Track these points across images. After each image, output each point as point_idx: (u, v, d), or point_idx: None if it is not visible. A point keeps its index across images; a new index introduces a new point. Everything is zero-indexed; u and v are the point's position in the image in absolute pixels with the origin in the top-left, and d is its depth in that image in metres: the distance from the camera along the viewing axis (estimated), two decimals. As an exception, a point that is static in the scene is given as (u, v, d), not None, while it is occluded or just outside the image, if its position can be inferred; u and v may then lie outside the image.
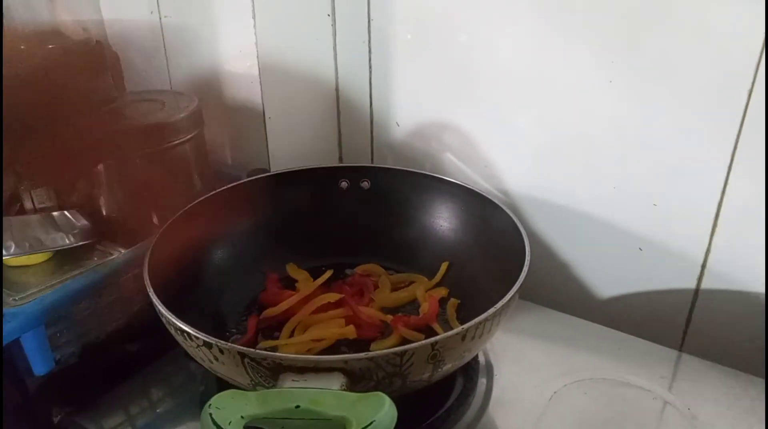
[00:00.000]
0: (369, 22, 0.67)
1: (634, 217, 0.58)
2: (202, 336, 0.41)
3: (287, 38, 0.67)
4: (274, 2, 0.64)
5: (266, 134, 0.69)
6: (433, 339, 0.41)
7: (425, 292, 0.59)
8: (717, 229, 0.55)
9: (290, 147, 0.71)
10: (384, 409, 0.36)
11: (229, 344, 0.40)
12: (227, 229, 0.60)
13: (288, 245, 0.62)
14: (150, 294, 0.45)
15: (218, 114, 0.71)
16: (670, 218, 0.56)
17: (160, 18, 0.72)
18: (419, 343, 0.40)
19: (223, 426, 0.34)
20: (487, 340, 0.47)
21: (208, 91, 0.71)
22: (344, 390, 0.38)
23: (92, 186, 0.62)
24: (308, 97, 0.71)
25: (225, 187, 0.61)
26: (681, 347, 0.60)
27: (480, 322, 0.43)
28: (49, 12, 0.66)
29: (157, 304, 0.44)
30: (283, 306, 0.56)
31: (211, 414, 0.35)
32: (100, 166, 0.60)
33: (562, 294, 0.65)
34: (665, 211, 0.56)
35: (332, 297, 0.57)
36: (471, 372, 0.53)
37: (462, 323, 0.43)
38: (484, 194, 0.58)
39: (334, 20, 0.68)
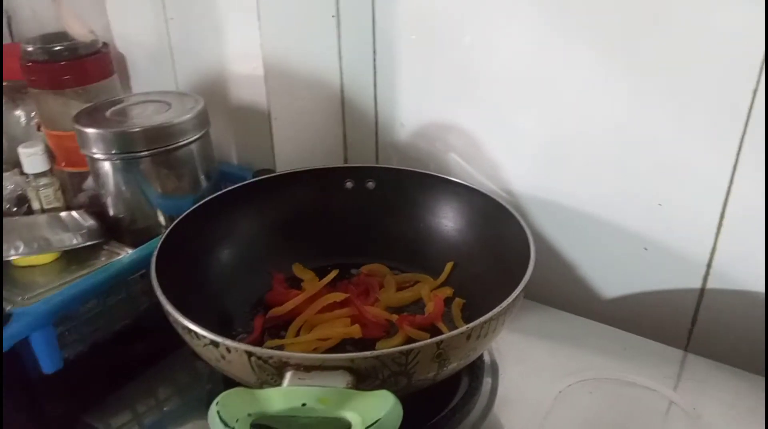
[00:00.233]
0: (373, 23, 0.67)
1: (639, 217, 0.58)
2: (209, 335, 0.42)
3: (292, 39, 0.67)
4: (279, 3, 0.64)
5: (272, 135, 0.69)
6: (438, 338, 0.41)
7: (430, 292, 0.59)
8: (722, 229, 0.55)
9: (296, 147, 0.71)
10: (390, 407, 0.36)
11: (236, 343, 0.41)
12: (233, 229, 0.61)
13: (294, 245, 0.63)
14: (157, 293, 0.46)
15: (224, 114, 0.71)
16: (675, 218, 0.56)
17: (166, 19, 0.73)
18: (425, 342, 0.41)
19: (230, 423, 0.35)
20: (492, 339, 0.47)
21: (214, 91, 0.71)
22: (350, 388, 0.38)
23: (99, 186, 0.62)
24: (313, 97, 0.71)
25: (231, 188, 0.61)
26: (686, 347, 0.60)
27: (485, 322, 0.43)
28: (56, 15, 0.66)
29: (164, 303, 0.45)
30: (289, 305, 0.56)
31: (218, 411, 0.35)
32: (107, 166, 0.60)
33: (567, 294, 0.65)
34: (670, 212, 0.56)
35: (338, 296, 0.57)
36: (476, 371, 0.53)
37: (467, 323, 0.43)
38: (488, 194, 0.58)
39: (338, 21, 0.69)
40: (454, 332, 0.42)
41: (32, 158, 0.65)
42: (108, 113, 0.62)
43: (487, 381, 0.53)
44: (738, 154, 0.51)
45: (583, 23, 0.54)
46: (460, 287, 0.59)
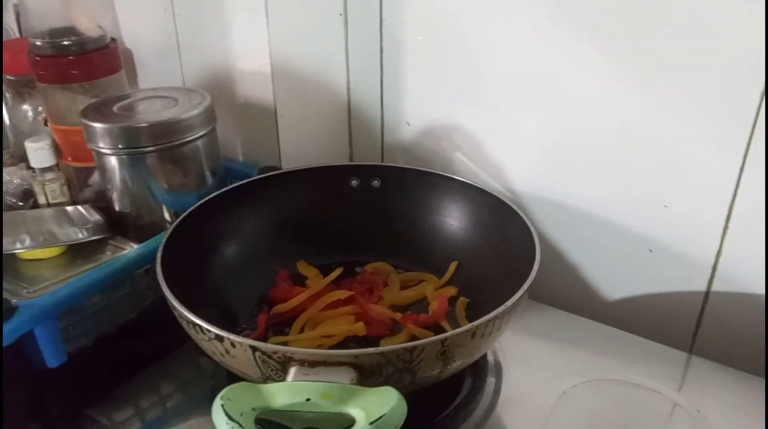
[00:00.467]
0: (381, 22, 0.67)
1: (645, 218, 0.58)
2: (214, 329, 0.42)
3: (299, 37, 0.67)
4: (287, 1, 0.65)
5: (278, 132, 0.69)
6: (443, 335, 0.41)
7: (434, 291, 0.59)
8: (728, 232, 0.54)
9: (301, 145, 0.71)
10: (394, 403, 0.36)
11: (241, 338, 0.41)
12: (238, 226, 0.61)
13: (298, 242, 0.63)
14: (163, 288, 0.46)
15: (230, 111, 0.72)
16: (681, 220, 0.56)
17: (174, 16, 0.73)
18: (429, 339, 0.41)
19: (234, 417, 0.35)
20: (497, 338, 0.47)
21: (221, 88, 0.71)
22: (354, 385, 0.38)
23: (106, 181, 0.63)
24: (320, 95, 0.71)
25: (237, 184, 0.61)
26: (691, 349, 0.60)
27: (490, 320, 0.43)
28: (65, 10, 0.67)
29: (170, 297, 0.45)
30: (293, 302, 0.56)
31: (223, 405, 0.35)
32: (114, 161, 0.60)
33: (572, 295, 0.65)
34: (676, 213, 0.56)
35: (342, 294, 0.57)
36: (480, 371, 0.53)
37: (471, 322, 0.43)
38: (494, 194, 0.58)
39: (346, 20, 0.69)
40: (459, 330, 0.42)
41: (39, 153, 0.65)
42: (115, 108, 0.62)
43: (490, 381, 0.53)
44: (745, 155, 0.51)
45: (589, 23, 0.54)
46: (464, 286, 0.59)
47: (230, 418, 0.35)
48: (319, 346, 0.53)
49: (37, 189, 0.66)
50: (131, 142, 0.59)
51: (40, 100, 0.74)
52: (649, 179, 0.56)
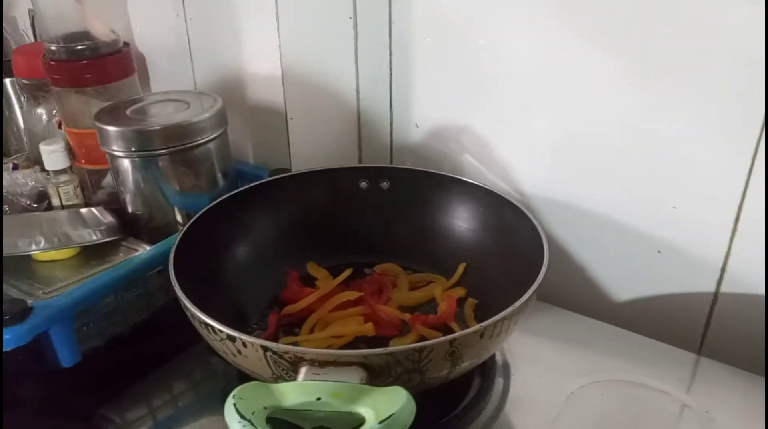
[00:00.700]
0: (390, 25, 0.67)
1: (653, 219, 0.58)
2: (226, 329, 0.42)
3: (310, 40, 0.68)
4: (297, 5, 0.65)
5: (288, 135, 0.70)
6: (452, 336, 0.41)
7: (443, 292, 0.59)
8: (737, 233, 0.54)
9: (311, 147, 0.72)
10: (403, 402, 0.36)
11: (253, 338, 0.41)
12: (249, 228, 0.61)
13: (308, 244, 0.63)
14: (176, 289, 0.46)
15: (241, 114, 0.72)
16: (690, 221, 0.56)
17: (186, 20, 0.74)
18: (438, 339, 0.41)
19: (246, 416, 0.35)
20: (505, 339, 0.47)
21: (232, 91, 0.72)
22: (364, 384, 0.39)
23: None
24: (329, 98, 0.72)
25: (247, 186, 0.62)
26: (699, 350, 0.60)
27: (498, 321, 0.43)
28: (79, 15, 0.68)
29: (182, 298, 0.45)
30: (303, 303, 0.57)
31: (235, 404, 0.36)
32: (127, 164, 0.61)
33: (580, 296, 0.65)
34: (685, 214, 0.56)
35: (351, 295, 0.57)
36: (488, 371, 0.53)
37: (480, 323, 0.43)
38: (502, 195, 0.59)
39: (355, 23, 0.69)
40: (468, 330, 0.42)
41: (53, 155, 0.66)
42: (128, 112, 0.63)
43: (498, 381, 0.53)
44: (754, 157, 0.51)
45: (596, 23, 0.54)
46: (472, 287, 0.60)
47: (242, 416, 0.35)
48: (329, 347, 0.53)
49: (51, 191, 0.67)
50: (144, 145, 0.60)
51: (54, 104, 0.75)
52: (657, 180, 0.56)
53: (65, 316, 0.51)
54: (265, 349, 0.41)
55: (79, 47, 0.68)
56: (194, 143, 0.61)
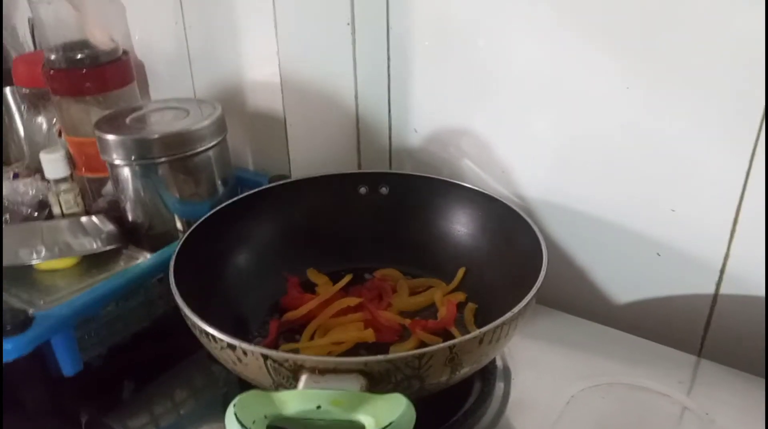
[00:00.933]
0: (388, 29, 0.68)
1: (652, 222, 0.58)
2: (226, 338, 0.42)
3: (308, 47, 0.68)
4: (295, 11, 0.65)
5: (287, 141, 0.70)
6: (451, 342, 0.41)
7: (443, 297, 0.59)
8: (735, 235, 0.54)
9: (311, 153, 0.72)
10: (403, 409, 0.36)
11: (253, 346, 0.41)
12: (249, 235, 0.62)
13: (308, 250, 0.63)
14: (176, 297, 0.47)
15: (241, 121, 0.72)
16: (689, 224, 0.56)
17: (185, 28, 0.74)
18: (438, 346, 0.41)
19: (247, 424, 0.35)
20: (505, 344, 0.47)
21: (231, 98, 0.72)
22: (364, 391, 0.39)
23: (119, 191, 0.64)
24: (328, 104, 0.72)
25: (247, 194, 0.62)
26: (699, 353, 0.60)
27: (498, 326, 0.43)
28: (79, 23, 0.68)
29: (183, 307, 0.46)
30: (304, 309, 0.57)
31: (235, 413, 0.36)
32: (127, 172, 0.61)
33: (580, 299, 0.65)
34: (683, 216, 0.56)
35: (351, 301, 0.57)
36: (488, 376, 0.53)
37: (479, 328, 0.43)
38: (501, 200, 0.59)
39: (353, 29, 0.69)
40: (467, 336, 0.42)
41: (53, 164, 0.66)
42: (128, 120, 0.63)
43: (499, 385, 0.53)
44: (752, 159, 0.51)
45: (597, 26, 0.55)
46: (472, 292, 0.60)
47: (243, 425, 0.35)
48: (330, 353, 0.53)
49: (52, 199, 0.68)
50: (144, 153, 0.60)
51: (54, 113, 0.75)
52: (657, 182, 0.57)
53: (67, 325, 0.51)
54: (265, 357, 0.41)
55: (79, 56, 0.68)
56: (194, 151, 0.61)
